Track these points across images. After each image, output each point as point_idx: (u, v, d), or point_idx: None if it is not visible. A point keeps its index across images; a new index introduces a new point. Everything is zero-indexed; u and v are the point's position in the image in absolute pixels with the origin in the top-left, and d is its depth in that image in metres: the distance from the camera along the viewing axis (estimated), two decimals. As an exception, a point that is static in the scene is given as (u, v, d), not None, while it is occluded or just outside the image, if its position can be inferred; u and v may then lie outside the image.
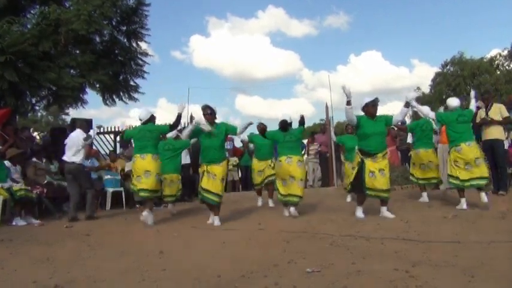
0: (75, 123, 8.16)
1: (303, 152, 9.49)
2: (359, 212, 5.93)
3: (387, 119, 5.98)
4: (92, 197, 7.51)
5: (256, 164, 7.98)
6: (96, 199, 8.87)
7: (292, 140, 6.47)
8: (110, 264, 3.87)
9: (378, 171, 5.64)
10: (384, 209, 5.85)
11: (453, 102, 6.53)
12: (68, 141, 7.43)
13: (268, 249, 4.19)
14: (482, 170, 6.11)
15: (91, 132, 7.72)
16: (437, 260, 3.35)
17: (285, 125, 6.52)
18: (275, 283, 2.97)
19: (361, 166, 5.76)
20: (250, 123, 6.45)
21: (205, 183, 5.96)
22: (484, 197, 6.08)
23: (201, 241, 4.88)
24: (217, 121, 6.21)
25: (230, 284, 3.05)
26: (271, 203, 7.97)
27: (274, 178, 7.23)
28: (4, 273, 3.72)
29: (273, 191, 7.84)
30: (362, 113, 5.92)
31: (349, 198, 7.95)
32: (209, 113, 6.07)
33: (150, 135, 6.40)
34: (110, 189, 9.01)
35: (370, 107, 5.87)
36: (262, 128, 6.77)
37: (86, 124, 7.95)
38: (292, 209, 6.35)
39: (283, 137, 6.49)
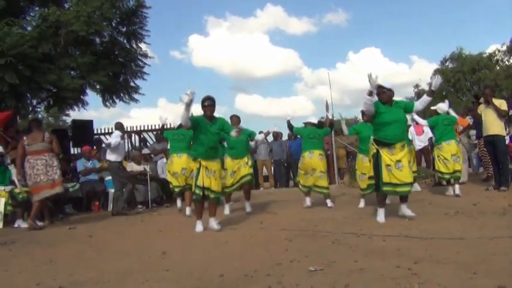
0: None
1: None
2: (380, 216, 5.27)
3: (407, 106, 5.45)
4: (129, 194, 8.18)
5: (230, 164, 6.99)
6: (98, 200, 8.93)
7: (315, 137, 7.20)
8: (112, 265, 3.88)
9: (394, 164, 5.09)
10: (403, 206, 5.37)
11: (444, 107, 7.62)
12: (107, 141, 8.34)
13: (270, 248, 4.19)
14: (457, 166, 7.21)
15: (112, 139, 8.01)
16: (439, 257, 3.35)
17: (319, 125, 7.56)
18: (278, 282, 2.98)
19: (377, 158, 5.21)
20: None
21: (207, 181, 5.32)
22: (457, 188, 7.18)
23: (203, 241, 4.88)
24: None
25: (233, 284, 3.05)
26: (248, 208, 7.03)
27: (250, 177, 6.98)
28: (8, 276, 3.73)
29: (249, 193, 7.13)
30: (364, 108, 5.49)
31: (362, 204, 6.89)
32: (207, 104, 5.44)
33: (183, 138, 7.30)
34: (112, 190, 9.00)
35: (387, 91, 5.27)
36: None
37: (121, 125, 8.46)
38: (327, 201, 7.09)
39: (308, 134, 7.24)
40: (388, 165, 5.10)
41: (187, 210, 7.10)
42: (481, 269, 2.95)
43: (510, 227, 4.35)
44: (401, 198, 5.36)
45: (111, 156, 7.97)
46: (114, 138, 7.95)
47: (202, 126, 5.38)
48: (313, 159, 7.05)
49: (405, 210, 5.33)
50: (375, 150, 5.26)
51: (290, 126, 7.38)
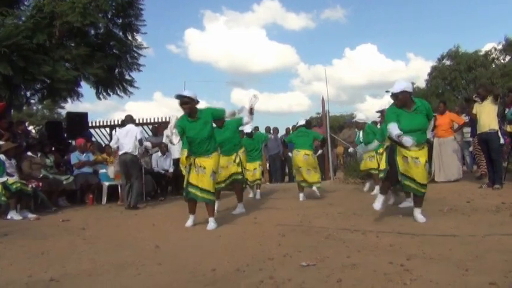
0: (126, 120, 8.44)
1: None
2: (378, 202, 4.95)
3: (429, 112, 4.92)
4: (139, 188, 7.96)
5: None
6: (92, 192, 8.90)
7: (303, 135, 7.63)
8: (105, 258, 3.87)
9: (411, 159, 4.72)
10: (416, 211, 4.90)
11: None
12: (123, 133, 7.96)
13: (263, 243, 4.19)
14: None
15: (143, 140, 8.01)
16: (432, 254, 3.36)
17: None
18: (270, 277, 2.98)
19: (392, 149, 4.91)
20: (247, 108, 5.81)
21: (193, 177, 5.19)
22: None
23: (197, 235, 4.87)
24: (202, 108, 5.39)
25: (225, 278, 3.05)
26: (239, 209, 6.54)
27: (241, 177, 6.62)
28: (-1, 268, 3.71)
29: (241, 192, 6.75)
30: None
31: (367, 187, 8.24)
32: (180, 104, 5.11)
33: None
34: (106, 183, 8.99)
35: (401, 96, 4.80)
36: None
37: (131, 118, 8.49)
38: (313, 187, 7.62)
39: (296, 134, 7.73)
40: (405, 157, 4.76)
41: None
42: (473, 266, 2.96)
43: (503, 225, 4.36)
44: (416, 201, 4.96)
45: (129, 149, 7.81)
46: (140, 133, 7.95)
47: (187, 126, 5.20)
48: (298, 157, 7.52)
49: (418, 215, 4.87)
50: (388, 144, 5.06)
51: (284, 143, 7.98)
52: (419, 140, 4.72)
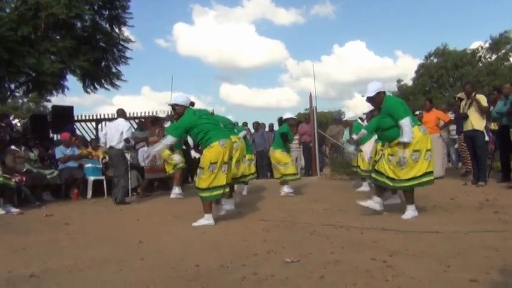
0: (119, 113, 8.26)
1: None
2: (378, 204, 5.10)
3: (390, 111, 4.97)
4: (125, 183, 7.88)
5: (166, 152, 7.54)
6: (77, 187, 8.80)
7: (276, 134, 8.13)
8: (87, 254, 3.83)
9: (386, 155, 4.97)
10: (407, 207, 4.95)
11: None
12: (111, 127, 7.94)
13: (248, 238, 4.17)
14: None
15: (127, 133, 7.79)
16: (414, 250, 3.38)
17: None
18: (254, 273, 2.96)
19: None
20: None
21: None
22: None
23: (182, 231, 4.84)
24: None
25: (208, 274, 3.03)
26: (177, 191, 7.58)
27: (182, 165, 7.92)
28: (-22, 263, 3.65)
29: (179, 178, 7.90)
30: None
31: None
32: (173, 114, 5.43)
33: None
34: (91, 178, 8.91)
35: (377, 98, 4.97)
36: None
37: (123, 112, 8.34)
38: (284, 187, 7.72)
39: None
40: (383, 154, 5.06)
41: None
42: (455, 263, 2.98)
43: (486, 222, 4.40)
44: (405, 197, 5.13)
45: (114, 143, 7.69)
46: (128, 131, 7.78)
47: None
48: (271, 154, 8.03)
49: (406, 211, 4.95)
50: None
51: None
52: (390, 137, 4.93)
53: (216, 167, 4.91)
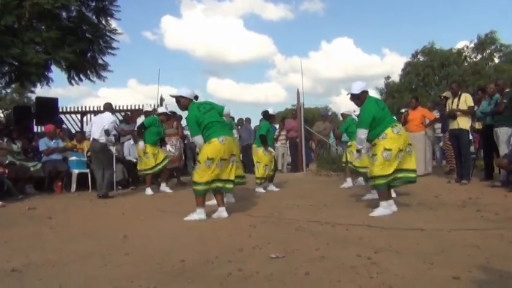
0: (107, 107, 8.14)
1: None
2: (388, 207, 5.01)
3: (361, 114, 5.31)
4: (110, 177, 7.80)
5: (149, 148, 7.91)
6: (61, 180, 8.68)
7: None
8: (71, 248, 3.79)
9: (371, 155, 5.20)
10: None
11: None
12: (96, 120, 7.89)
13: (234, 234, 4.18)
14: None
15: (109, 126, 7.64)
16: (399, 247, 3.41)
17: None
18: (239, 269, 2.96)
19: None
20: None
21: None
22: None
23: (167, 225, 4.82)
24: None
25: (193, 269, 3.02)
26: (164, 188, 8.09)
27: (167, 162, 8.09)
28: (-42, 256, 3.58)
29: (166, 177, 8.32)
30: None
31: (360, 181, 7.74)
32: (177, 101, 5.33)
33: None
34: (76, 171, 8.79)
35: (362, 97, 5.19)
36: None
37: (110, 106, 8.21)
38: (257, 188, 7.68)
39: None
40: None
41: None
42: (439, 260, 3.02)
43: (469, 220, 4.46)
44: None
45: (98, 136, 7.58)
46: (110, 124, 7.65)
47: None
48: (253, 151, 8.05)
49: (376, 211, 5.02)
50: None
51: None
52: (371, 137, 5.11)
53: (213, 162, 4.95)
